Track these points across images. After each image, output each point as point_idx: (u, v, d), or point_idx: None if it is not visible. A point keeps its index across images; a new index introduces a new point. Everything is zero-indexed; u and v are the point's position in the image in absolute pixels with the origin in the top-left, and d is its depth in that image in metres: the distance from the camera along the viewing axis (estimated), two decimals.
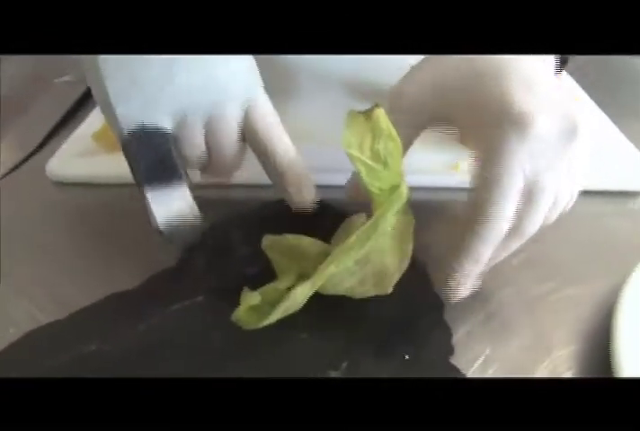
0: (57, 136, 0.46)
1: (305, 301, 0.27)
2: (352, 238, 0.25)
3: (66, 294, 0.32)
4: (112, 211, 0.39)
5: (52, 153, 0.43)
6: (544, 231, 0.28)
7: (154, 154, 0.29)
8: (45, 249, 0.36)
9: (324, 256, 0.28)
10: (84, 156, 0.42)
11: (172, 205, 0.30)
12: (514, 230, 0.27)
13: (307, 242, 0.30)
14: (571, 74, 0.53)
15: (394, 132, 0.24)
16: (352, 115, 0.23)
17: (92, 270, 0.35)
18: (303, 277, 0.28)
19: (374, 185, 0.25)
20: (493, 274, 0.33)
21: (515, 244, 0.28)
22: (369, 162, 0.24)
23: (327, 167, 0.40)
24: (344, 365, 0.27)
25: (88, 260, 0.35)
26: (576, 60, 0.54)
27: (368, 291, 0.29)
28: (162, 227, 0.30)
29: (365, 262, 0.27)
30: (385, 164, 0.25)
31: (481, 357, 0.29)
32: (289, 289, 0.27)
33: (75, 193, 0.41)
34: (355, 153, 0.23)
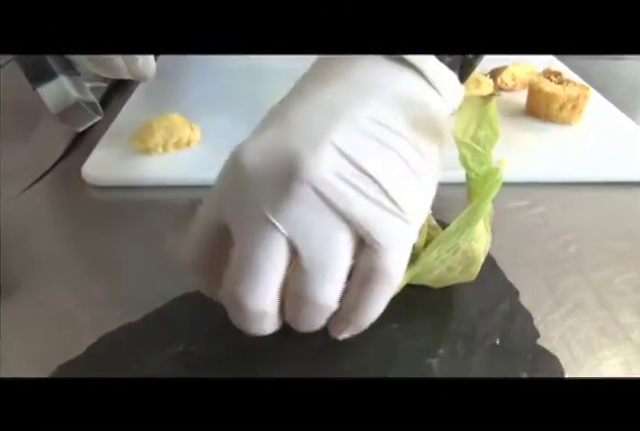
0: (85, 138, 0.45)
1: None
2: (453, 225, 0.25)
3: (125, 296, 0.31)
4: (154, 212, 0.38)
5: (83, 154, 0.42)
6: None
7: (32, 60, 0.37)
8: (94, 253, 0.35)
9: None
10: (120, 159, 0.41)
11: (59, 96, 0.37)
12: None
13: None
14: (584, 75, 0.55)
15: (496, 123, 0.24)
16: (471, 98, 0.23)
17: (147, 272, 0.33)
18: None
19: (474, 170, 0.25)
20: (553, 262, 0.34)
21: None
22: (475, 145, 0.24)
23: None
24: (441, 351, 0.27)
25: (140, 263, 0.34)
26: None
27: (455, 278, 0.29)
28: (55, 113, 0.38)
29: (456, 249, 0.27)
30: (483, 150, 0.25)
31: (562, 342, 0.29)
32: None
33: (114, 196, 0.39)
34: (462, 137, 0.24)
